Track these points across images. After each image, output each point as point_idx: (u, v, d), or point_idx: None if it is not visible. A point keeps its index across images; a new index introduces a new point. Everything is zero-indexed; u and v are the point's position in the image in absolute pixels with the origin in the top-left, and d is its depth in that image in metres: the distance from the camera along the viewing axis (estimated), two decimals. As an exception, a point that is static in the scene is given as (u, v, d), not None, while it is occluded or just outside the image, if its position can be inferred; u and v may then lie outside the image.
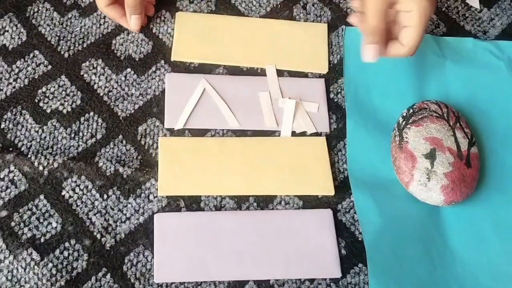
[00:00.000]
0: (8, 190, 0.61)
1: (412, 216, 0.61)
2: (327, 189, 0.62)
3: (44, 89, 0.66)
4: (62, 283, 0.57)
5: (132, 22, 0.67)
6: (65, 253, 0.58)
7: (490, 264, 0.59)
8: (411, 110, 0.64)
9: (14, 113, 0.65)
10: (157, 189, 0.62)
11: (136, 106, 0.66)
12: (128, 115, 0.65)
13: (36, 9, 0.71)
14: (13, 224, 0.59)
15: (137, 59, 0.69)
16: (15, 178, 0.61)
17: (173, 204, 0.61)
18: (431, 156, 0.60)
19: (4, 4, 0.71)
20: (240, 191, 0.62)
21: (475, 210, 0.62)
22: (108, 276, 0.58)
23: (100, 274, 0.58)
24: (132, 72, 0.68)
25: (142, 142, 0.64)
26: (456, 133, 0.61)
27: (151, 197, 0.61)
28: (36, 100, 0.66)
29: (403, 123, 0.63)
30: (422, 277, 0.58)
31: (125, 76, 0.68)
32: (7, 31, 0.69)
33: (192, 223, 0.60)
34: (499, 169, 0.64)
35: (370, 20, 0.57)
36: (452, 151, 0.60)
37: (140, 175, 0.62)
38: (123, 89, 0.67)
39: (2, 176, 0.62)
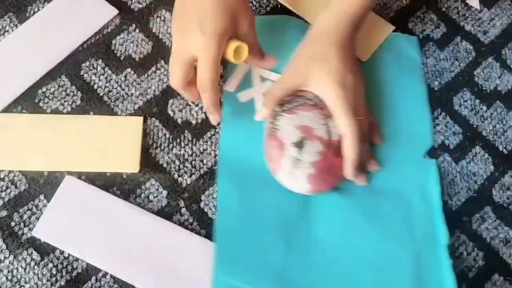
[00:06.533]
0: (8, 190, 0.61)
1: (277, 204, 0.60)
2: (133, 166, 0.62)
3: (44, 89, 0.66)
4: (62, 283, 0.57)
5: (210, 119, 0.64)
6: (65, 253, 0.58)
7: (354, 250, 0.59)
8: (288, 98, 0.62)
9: (14, 113, 0.65)
10: (156, 189, 0.62)
11: (136, 106, 0.66)
12: (128, 115, 0.65)
13: (36, 9, 0.71)
14: (13, 224, 0.59)
15: (137, 59, 0.69)
16: (15, 178, 0.62)
17: (173, 203, 0.61)
18: (299, 144, 0.59)
19: (4, 4, 0.71)
20: (47, 167, 0.62)
21: (344, 198, 0.61)
22: (108, 276, 0.58)
23: (100, 274, 0.58)
24: (132, 72, 0.68)
25: (142, 142, 0.64)
26: (329, 122, 0.60)
27: (151, 197, 0.62)
28: (36, 100, 0.66)
29: (277, 109, 0.61)
30: (275, 262, 0.58)
31: (125, 76, 0.68)
32: (7, 31, 0.69)
33: (94, 201, 0.60)
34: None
35: (273, 89, 0.62)
36: (322, 140, 0.59)
37: (140, 175, 0.62)
38: (123, 89, 0.67)
39: (2, 176, 0.62)
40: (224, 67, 0.68)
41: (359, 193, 0.62)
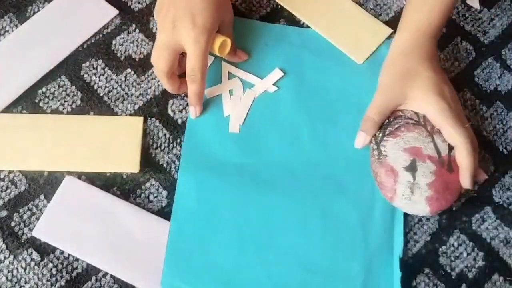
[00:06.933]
0: (8, 190, 0.61)
1: (235, 206, 0.60)
2: (133, 166, 0.62)
3: (44, 89, 0.66)
4: (62, 283, 0.57)
5: (190, 111, 0.65)
6: (65, 253, 0.58)
7: (307, 255, 0.59)
8: (386, 120, 0.61)
9: (14, 113, 0.65)
10: (157, 189, 0.62)
11: (136, 106, 0.66)
12: (128, 115, 0.65)
13: (36, 9, 0.71)
14: (13, 224, 0.59)
15: (137, 59, 0.69)
16: (15, 178, 0.62)
17: (173, 203, 0.61)
18: (412, 168, 0.58)
19: (4, 4, 0.71)
20: (47, 167, 0.62)
21: (304, 199, 0.61)
22: (108, 276, 0.58)
23: (100, 274, 0.58)
24: (132, 72, 0.68)
25: (142, 142, 0.64)
26: (435, 138, 0.59)
27: (151, 197, 0.62)
28: (36, 100, 0.66)
29: (380, 135, 0.61)
30: (225, 265, 0.57)
31: (125, 76, 0.68)
32: (7, 31, 0.69)
33: (94, 201, 0.60)
34: (327, 162, 0.63)
35: (369, 113, 0.61)
36: (432, 159, 0.58)
37: (140, 175, 0.62)
38: (123, 89, 0.67)
39: (2, 176, 0.62)
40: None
41: (321, 194, 0.61)
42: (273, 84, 0.67)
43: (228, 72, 0.68)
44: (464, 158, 0.57)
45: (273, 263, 0.58)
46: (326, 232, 0.60)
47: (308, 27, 0.71)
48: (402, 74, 0.60)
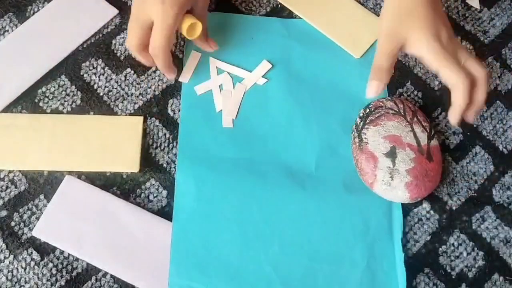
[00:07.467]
0: (8, 190, 0.61)
1: (236, 198, 0.61)
2: (133, 166, 0.62)
3: (44, 89, 0.66)
4: (62, 283, 0.57)
5: (167, 77, 0.66)
6: (65, 253, 0.58)
7: (310, 243, 0.59)
8: (368, 110, 0.63)
9: (14, 113, 0.65)
10: (156, 189, 0.62)
11: (136, 106, 0.66)
12: (128, 115, 0.65)
13: (36, 9, 0.71)
14: (13, 224, 0.59)
15: (137, 59, 0.69)
16: (15, 178, 0.62)
17: (173, 203, 0.61)
18: (391, 154, 0.59)
19: (4, 4, 0.71)
20: (47, 167, 0.62)
21: (303, 190, 0.61)
22: (108, 276, 0.58)
23: (100, 274, 0.58)
24: (132, 72, 0.68)
25: (142, 142, 0.64)
26: (414, 128, 0.61)
27: (151, 197, 0.62)
28: (36, 100, 0.66)
29: (361, 123, 0.63)
30: (230, 260, 0.58)
31: (125, 76, 0.68)
32: (7, 31, 0.69)
33: (94, 201, 0.60)
34: (321, 150, 0.64)
35: (377, 60, 0.59)
36: (412, 147, 0.60)
37: (140, 175, 0.62)
38: (123, 89, 0.67)
39: (2, 176, 0.62)
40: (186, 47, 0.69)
41: (318, 182, 0.62)
42: (262, 76, 0.67)
43: (217, 67, 0.68)
44: (458, 98, 0.57)
45: (277, 254, 0.59)
46: (326, 219, 0.60)
47: (300, 18, 0.71)
48: (402, 15, 0.59)
